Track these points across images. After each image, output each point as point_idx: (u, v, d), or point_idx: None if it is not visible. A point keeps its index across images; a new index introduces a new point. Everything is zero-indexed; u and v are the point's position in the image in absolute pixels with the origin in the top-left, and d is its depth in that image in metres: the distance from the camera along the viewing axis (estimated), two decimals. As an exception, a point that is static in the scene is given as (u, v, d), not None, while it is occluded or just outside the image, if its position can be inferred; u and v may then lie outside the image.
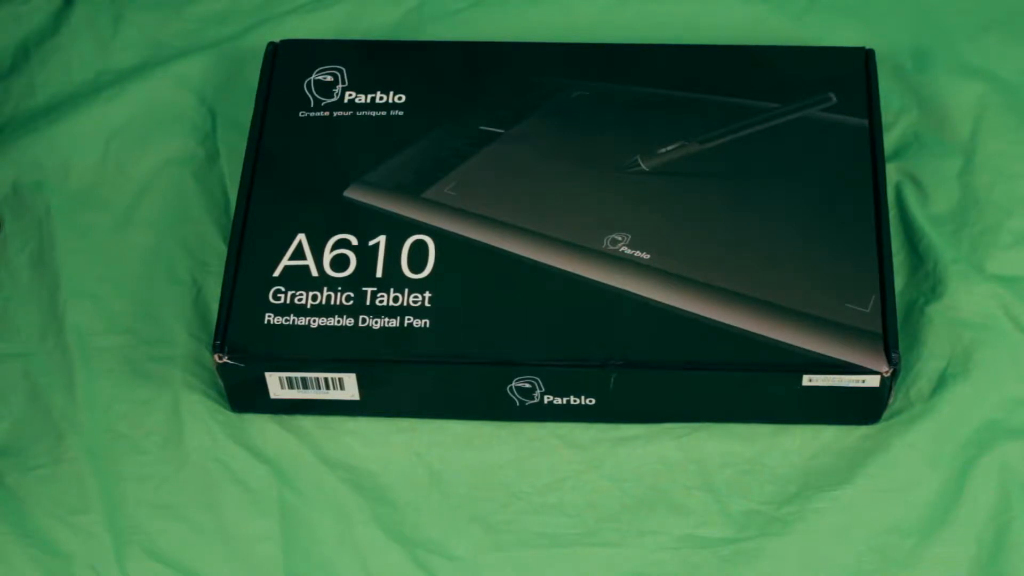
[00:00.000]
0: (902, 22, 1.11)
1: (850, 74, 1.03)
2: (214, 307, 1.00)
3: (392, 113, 1.02)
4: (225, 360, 0.93)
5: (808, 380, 0.93)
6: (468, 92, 1.03)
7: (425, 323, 0.94)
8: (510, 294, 0.95)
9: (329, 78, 1.04)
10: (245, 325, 0.94)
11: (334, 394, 0.95)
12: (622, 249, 0.96)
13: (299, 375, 0.94)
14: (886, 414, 0.96)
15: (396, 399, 0.96)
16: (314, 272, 0.96)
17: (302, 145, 1.01)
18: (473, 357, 0.93)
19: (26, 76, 1.10)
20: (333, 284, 0.96)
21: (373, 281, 0.96)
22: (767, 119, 1.01)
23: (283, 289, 0.95)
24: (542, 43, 1.06)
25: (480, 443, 0.96)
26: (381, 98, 1.03)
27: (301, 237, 0.97)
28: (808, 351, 0.92)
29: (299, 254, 0.97)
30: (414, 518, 0.93)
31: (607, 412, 0.95)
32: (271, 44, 1.06)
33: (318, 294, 0.95)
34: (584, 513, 0.93)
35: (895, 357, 0.92)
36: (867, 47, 1.04)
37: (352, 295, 0.95)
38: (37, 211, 1.04)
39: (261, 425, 0.96)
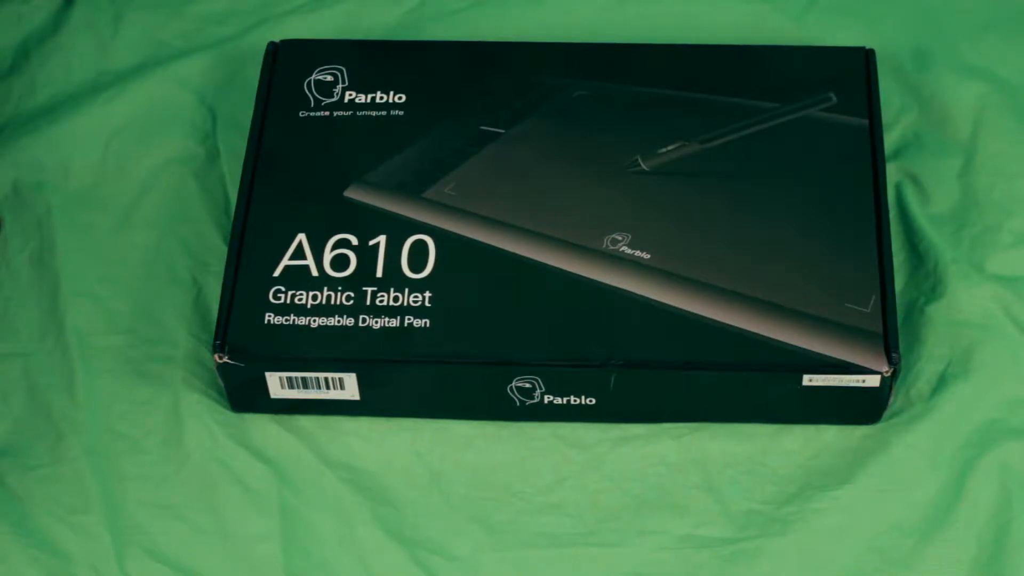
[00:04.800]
0: (902, 22, 1.11)
1: (850, 74, 1.03)
2: (214, 307, 1.00)
3: (392, 113, 1.02)
4: (225, 360, 0.93)
5: (808, 380, 0.93)
6: (468, 92, 1.03)
7: (425, 323, 0.94)
8: (510, 294, 0.95)
9: (329, 78, 1.04)
10: (245, 325, 0.94)
11: (334, 394, 0.95)
12: (622, 249, 0.96)
13: (299, 375, 0.94)
14: (886, 414, 0.96)
15: (396, 399, 0.96)
16: (314, 272, 0.96)
17: (302, 145, 1.01)
18: (473, 357, 0.93)
19: (26, 76, 1.10)
20: (333, 284, 0.96)
21: (373, 281, 0.96)
22: (767, 119, 1.01)
23: (283, 289, 0.95)
24: (542, 43, 1.06)
25: (481, 443, 0.96)
26: (381, 98, 1.03)
27: (301, 237, 0.97)
28: (808, 351, 0.92)
29: (299, 254, 0.97)
30: (414, 518, 0.93)
31: (607, 412, 0.95)
32: (271, 44, 1.06)
33: (318, 294, 0.95)
34: (584, 513, 0.93)
35: (895, 357, 0.92)
36: (867, 47, 1.04)
37: (352, 295, 0.95)
38: (37, 211, 1.04)
39: (261, 425, 0.96)
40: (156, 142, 1.07)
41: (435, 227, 0.97)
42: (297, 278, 0.96)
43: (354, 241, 0.97)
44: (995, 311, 0.98)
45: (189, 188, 1.05)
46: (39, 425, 0.96)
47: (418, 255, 0.96)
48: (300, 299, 0.95)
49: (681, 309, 0.94)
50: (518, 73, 1.04)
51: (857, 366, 0.92)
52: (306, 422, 0.96)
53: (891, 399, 0.95)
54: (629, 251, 0.96)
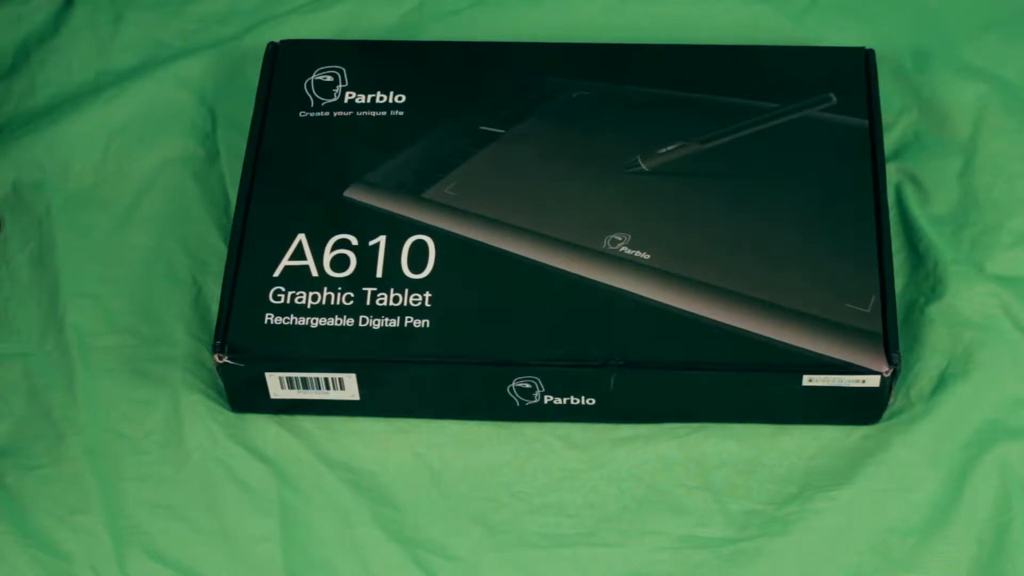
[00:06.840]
0: (902, 22, 1.11)
1: (850, 74, 1.03)
2: (214, 307, 1.00)
3: (392, 113, 1.02)
4: (225, 360, 0.93)
5: (808, 380, 0.93)
6: (468, 92, 1.03)
7: (425, 323, 0.94)
8: (510, 294, 0.95)
9: (329, 78, 1.04)
10: (245, 325, 0.94)
11: (334, 394, 0.95)
12: (622, 249, 0.96)
13: (299, 375, 0.94)
14: (886, 414, 0.96)
15: (396, 399, 0.96)
16: (314, 272, 0.96)
17: (302, 145, 1.01)
18: (473, 357, 0.93)
19: (26, 76, 1.10)
20: (333, 284, 0.96)
21: (373, 281, 0.96)
22: (767, 119, 1.01)
23: (283, 289, 0.95)
24: (542, 43, 1.06)
25: (480, 443, 0.96)
26: (381, 98, 1.03)
27: (301, 237, 0.97)
28: (808, 351, 0.92)
29: (299, 254, 0.97)
30: (414, 518, 0.93)
31: (607, 412, 0.95)
32: (271, 44, 1.06)
33: (318, 294, 0.95)
34: (584, 513, 0.93)
35: (895, 357, 0.92)
36: (867, 47, 1.04)
37: (352, 295, 0.95)
38: (37, 211, 1.04)
39: (261, 425, 0.96)
40: (156, 142, 1.07)
41: (435, 227, 0.97)
42: (297, 278, 0.96)
43: (354, 241, 0.97)
44: (995, 311, 0.98)
45: (189, 188, 1.05)
46: (39, 425, 0.96)
47: (418, 255, 0.96)
48: (300, 299, 0.95)
49: (681, 309, 0.94)
50: (518, 73, 1.04)
51: (857, 366, 0.92)
52: (306, 422, 0.96)
53: (891, 399, 0.95)
54: (629, 251, 0.96)
